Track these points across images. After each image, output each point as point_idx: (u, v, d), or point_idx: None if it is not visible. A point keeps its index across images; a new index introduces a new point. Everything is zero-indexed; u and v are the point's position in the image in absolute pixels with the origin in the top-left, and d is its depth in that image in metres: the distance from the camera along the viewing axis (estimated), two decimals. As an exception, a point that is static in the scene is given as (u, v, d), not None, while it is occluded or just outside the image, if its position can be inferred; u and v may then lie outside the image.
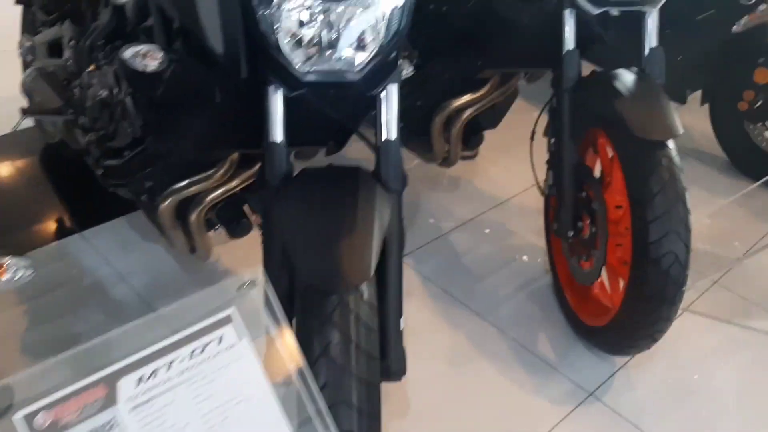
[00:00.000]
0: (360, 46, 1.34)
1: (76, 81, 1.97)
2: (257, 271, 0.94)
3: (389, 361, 1.53)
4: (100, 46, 1.81)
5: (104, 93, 1.81)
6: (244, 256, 2.16)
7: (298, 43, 1.34)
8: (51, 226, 2.37)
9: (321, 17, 1.31)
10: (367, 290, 1.32)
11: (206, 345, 0.89)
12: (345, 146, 1.76)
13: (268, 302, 0.92)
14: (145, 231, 2.21)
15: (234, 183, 1.79)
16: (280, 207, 1.42)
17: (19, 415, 0.75)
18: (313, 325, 1.27)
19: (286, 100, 1.43)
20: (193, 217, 1.82)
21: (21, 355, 1.86)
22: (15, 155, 2.60)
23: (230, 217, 1.90)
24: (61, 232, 2.30)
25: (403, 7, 1.35)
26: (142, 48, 1.41)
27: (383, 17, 1.33)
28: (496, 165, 2.84)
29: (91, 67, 1.80)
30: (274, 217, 1.44)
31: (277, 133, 1.44)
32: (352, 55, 1.35)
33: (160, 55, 1.41)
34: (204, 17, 1.39)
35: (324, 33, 1.31)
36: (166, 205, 1.78)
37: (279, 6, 1.30)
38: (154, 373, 0.85)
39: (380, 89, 1.44)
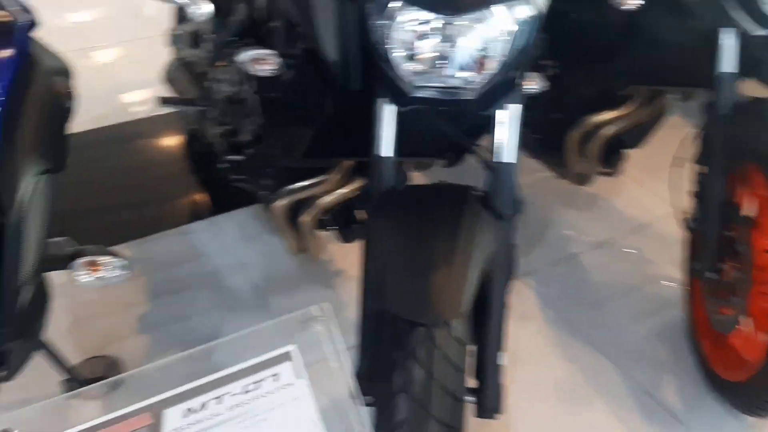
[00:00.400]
0: (477, 64, 1.25)
1: (209, 74, 2.01)
2: (323, 307, 0.88)
3: (484, 397, 1.44)
4: (231, 42, 1.83)
5: (231, 90, 1.83)
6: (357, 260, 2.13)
7: (410, 57, 1.26)
8: (183, 207, 2.46)
9: (436, 31, 1.22)
10: (458, 326, 1.24)
11: (261, 381, 0.85)
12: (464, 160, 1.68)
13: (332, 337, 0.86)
14: (268, 224, 2.24)
15: (347, 189, 1.77)
16: (380, 223, 1.37)
17: (63, 436, 0.75)
18: (396, 357, 1.21)
19: (399, 114, 1.37)
20: (305, 219, 1.81)
21: (132, 324, 1.94)
22: (159, 136, 2.74)
23: (343, 222, 1.87)
24: (193, 215, 2.39)
25: (528, 23, 1.23)
26: (258, 53, 1.39)
27: (505, 34, 1.23)
28: (641, 185, 2.62)
29: (222, 63, 1.83)
30: (373, 232, 1.39)
31: (385, 147, 1.38)
32: (468, 74, 1.25)
33: (274, 60, 1.39)
34: (321, 24, 1.35)
35: (438, 48, 1.23)
36: (280, 204, 1.79)
37: (392, 17, 1.23)
38: (203, 405, 0.82)
39: (498, 108, 1.34)
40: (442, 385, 1.20)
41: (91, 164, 2.55)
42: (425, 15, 1.21)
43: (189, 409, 0.82)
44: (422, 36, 1.24)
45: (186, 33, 2.31)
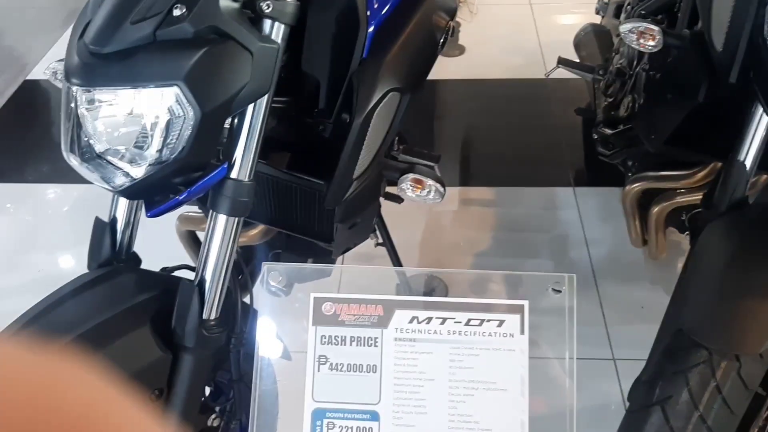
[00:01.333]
0: None
1: (615, 45, 1.99)
2: (570, 278, 0.87)
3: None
4: (642, 16, 1.78)
5: (624, 62, 1.79)
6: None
7: None
8: (552, 171, 2.49)
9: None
10: (751, 365, 1.08)
11: (486, 321, 0.88)
12: None
13: (570, 315, 0.85)
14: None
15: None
16: (715, 234, 1.24)
17: (311, 297, 0.90)
18: (664, 367, 1.12)
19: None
20: (655, 210, 1.70)
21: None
22: (549, 99, 2.79)
23: (695, 226, 1.72)
24: (560, 180, 2.42)
25: None
26: (641, 25, 1.34)
27: None
28: None
29: (623, 35, 1.79)
30: (704, 243, 1.27)
31: (744, 153, 1.23)
32: None
33: (656, 36, 1.33)
34: (716, 8, 1.25)
35: None
36: (634, 188, 1.72)
37: None
38: (428, 320, 0.89)
39: None
40: (705, 420, 1.07)
41: (470, 108, 2.73)
42: None
43: (416, 318, 0.90)
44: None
45: (613, 2, 2.30)
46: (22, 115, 2.83)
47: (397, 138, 1.54)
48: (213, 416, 1.25)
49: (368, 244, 1.76)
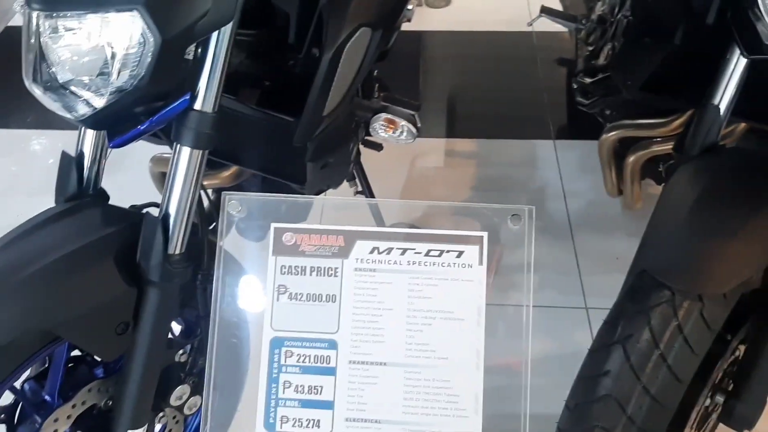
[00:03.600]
0: None
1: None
2: (529, 210, 0.87)
3: (739, 405, 1.27)
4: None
5: (606, 9, 1.77)
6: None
7: None
8: (534, 123, 2.48)
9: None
10: (714, 307, 1.09)
11: (445, 252, 0.89)
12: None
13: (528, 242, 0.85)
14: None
15: (685, 140, 1.61)
16: (685, 177, 1.24)
17: (272, 227, 0.90)
18: (626, 307, 1.13)
19: (751, 66, 1.19)
20: (631, 159, 1.71)
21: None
22: (533, 50, 2.75)
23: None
24: (538, 132, 2.41)
25: None
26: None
27: None
28: None
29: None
30: (674, 186, 1.27)
31: (719, 97, 1.22)
32: None
33: (633, -24, 1.31)
34: (694, -54, 1.23)
35: None
36: (610, 136, 1.72)
37: None
38: (388, 250, 0.89)
39: None
40: (665, 358, 1.09)
41: (454, 59, 2.70)
42: None
43: (376, 248, 0.90)
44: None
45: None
46: (7, 62, 2.79)
47: (377, 84, 1.52)
48: (181, 352, 1.26)
49: (348, 192, 1.75)
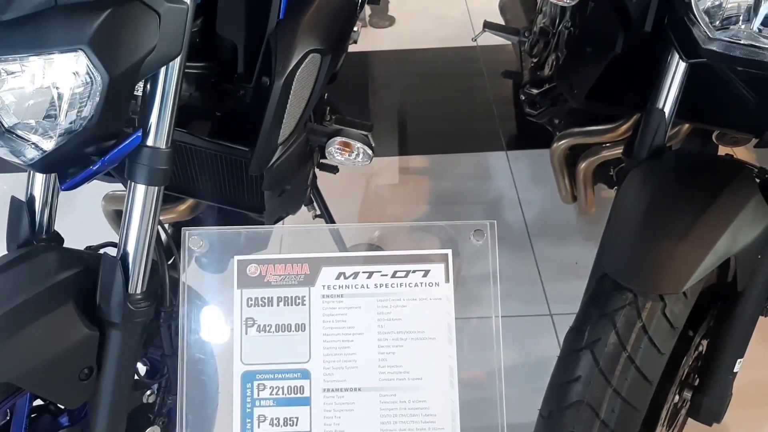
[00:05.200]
0: None
1: (538, 5, 2.01)
2: (490, 225, 0.88)
3: (707, 401, 1.30)
4: (561, -25, 1.80)
5: (547, 21, 1.81)
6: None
7: (714, 2, 1.12)
8: (485, 135, 2.52)
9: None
10: (675, 305, 1.12)
11: (411, 272, 0.89)
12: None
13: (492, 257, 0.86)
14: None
15: (633, 145, 1.65)
16: (636, 180, 1.27)
17: (235, 260, 0.89)
18: (590, 312, 1.14)
19: (691, 69, 1.23)
20: (582, 165, 1.74)
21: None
22: (478, 65, 2.80)
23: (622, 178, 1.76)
24: (492, 144, 2.45)
25: None
26: (560, -21, 1.35)
27: None
28: None
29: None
30: (626, 189, 1.30)
31: (663, 100, 1.26)
32: None
33: (575, -11, 1.34)
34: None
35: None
36: (560, 145, 1.74)
37: None
38: (354, 275, 0.89)
39: None
40: (633, 360, 1.10)
41: (402, 78, 2.73)
42: None
43: (342, 274, 0.90)
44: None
45: (535, -35, 2.32)
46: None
47: (329, 108, 1.52)
48: (148, 393, 1.23)
49: (307, 217, 1.75)
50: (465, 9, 3.15)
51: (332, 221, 1.77)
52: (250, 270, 0.90)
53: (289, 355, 0.90)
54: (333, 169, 1.62)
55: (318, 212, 1.78)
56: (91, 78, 0.89)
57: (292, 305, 0.90)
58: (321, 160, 1.53)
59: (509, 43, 2.30)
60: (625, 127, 1.64)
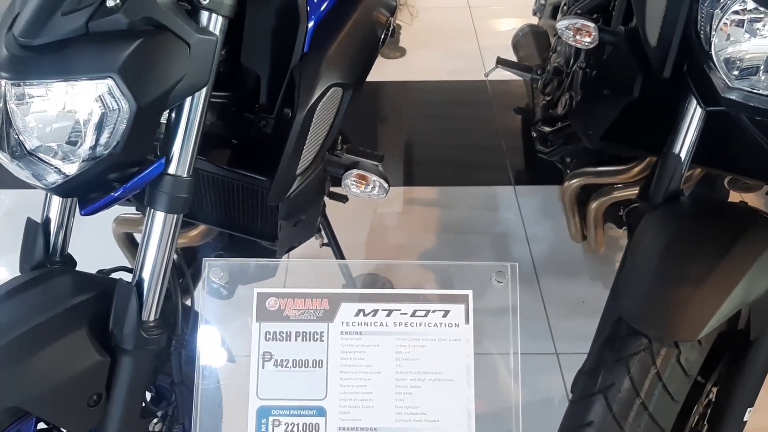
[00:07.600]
0: None
1: (552, 44, 2.02)
2: (511, 267, 0.88)
3: (715, 447, 1.29)
4: (578, 15, 1.82)
5: (561, 61, 1.83)
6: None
7: (735, 52, 1.13)
8: (494, 169, 2.52)
9: None
10: (690, 353, 1.11)
11: (431, 312, 0.88)
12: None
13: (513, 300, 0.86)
14: (562, 205, 2.21)
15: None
16: (651, 225, 1.27)
17: (255, 292, 0.88)
18: (605, 356, 1.14)
19: (709, 116, 1.24)
20: (593, 205, 1.74)
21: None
22: (491, 99, 2.83)
23: (633, 220, 1.76)
24: (497, 179, 2.45)
25: None
26: (578, 22, 1.37)
27: None
28: None
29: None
30: (641, 234, 1.30)
31: (679, 146, 1.27)
32: None
33: (592, 32, 1.36)
34: (650, 4, 1.28)
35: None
36: (572, 184, 1.75)
37: (726, 6, 1.11)
38: (373, 312, 0.89)
39: None
40: (647, 407, 1.10)
41: (415, 110, 2.75)
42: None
43: (362, 311, 0.89)
44: (755, 32, 1.10)
45: (549, 4, 2.34)
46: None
47: (340, 138, 1.53)
48: (155, 421, 1.22)
49: (314, 245, 1.74)
50: (476, 43, 3.18)
51: (339, 249, 1.77)
52: (270, 303, 0.90)
53: (305, 392, 0.89)
54: (342, 199, 1.62)
55: (325, 240, 1.78)
56: (118, 105, 0.89)
57: (310, 340, 0.90)
58: (331, 188, 1.53)
59: (519, 79, 2.32)
60: (637, 169, 1.64)
